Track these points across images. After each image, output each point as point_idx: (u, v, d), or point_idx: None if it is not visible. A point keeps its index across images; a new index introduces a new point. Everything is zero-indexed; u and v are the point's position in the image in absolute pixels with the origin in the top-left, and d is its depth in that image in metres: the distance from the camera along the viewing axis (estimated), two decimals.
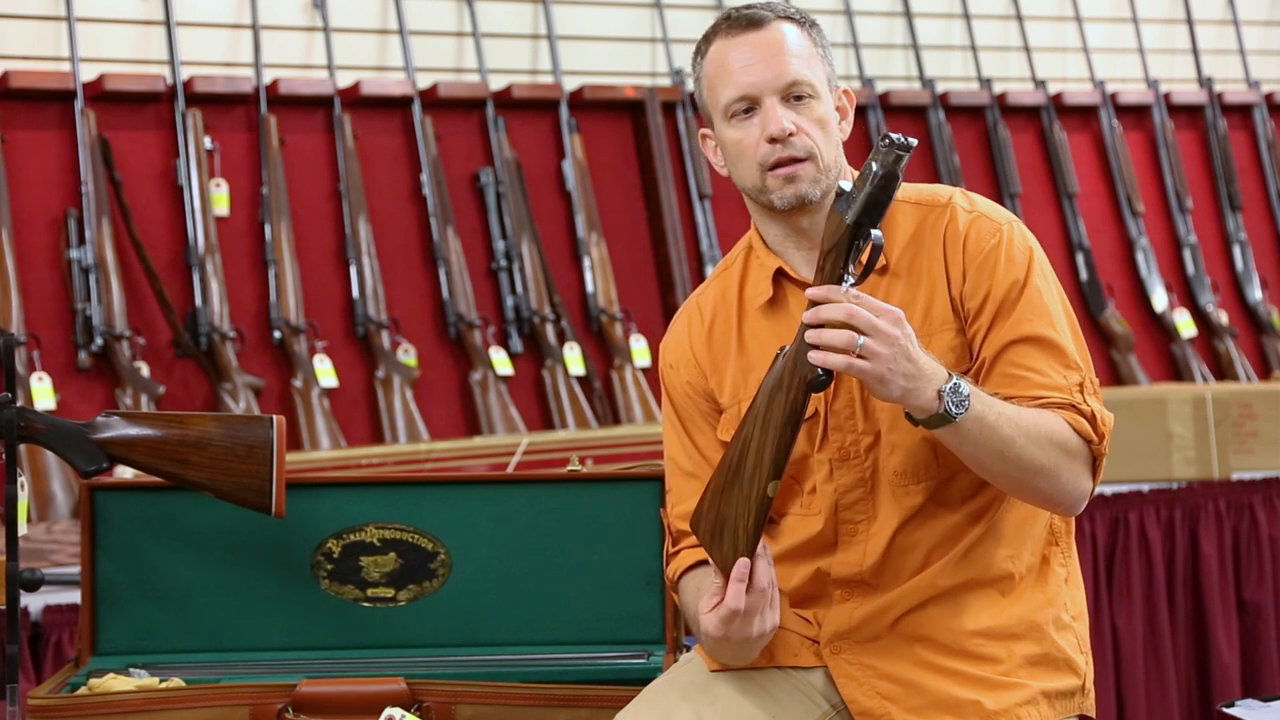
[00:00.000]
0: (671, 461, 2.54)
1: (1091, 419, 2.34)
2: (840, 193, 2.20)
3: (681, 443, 2.52)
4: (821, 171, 2.38)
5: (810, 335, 2.19)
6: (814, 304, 2.20)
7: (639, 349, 5.25)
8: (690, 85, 5.52)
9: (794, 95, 2.38)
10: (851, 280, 2.20)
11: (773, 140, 2.37)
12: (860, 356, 2.17)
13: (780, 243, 2.45)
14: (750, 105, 2.39)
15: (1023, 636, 2.39)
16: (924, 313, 2.37)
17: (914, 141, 2.17)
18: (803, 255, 2.44)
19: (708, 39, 2.45)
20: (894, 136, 2.15)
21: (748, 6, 2.44)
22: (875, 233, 2.20)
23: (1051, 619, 2.41)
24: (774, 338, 2.44)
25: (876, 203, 2.17)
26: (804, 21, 2.43)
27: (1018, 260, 2.38)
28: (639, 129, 5.46)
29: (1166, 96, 6.33)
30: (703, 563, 2.44)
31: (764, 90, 2.38)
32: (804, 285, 2.42)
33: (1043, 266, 2.41)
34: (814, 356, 2.18)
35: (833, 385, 2.33)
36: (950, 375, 2.22)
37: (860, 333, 2.16)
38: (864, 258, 2.21)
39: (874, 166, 2.16)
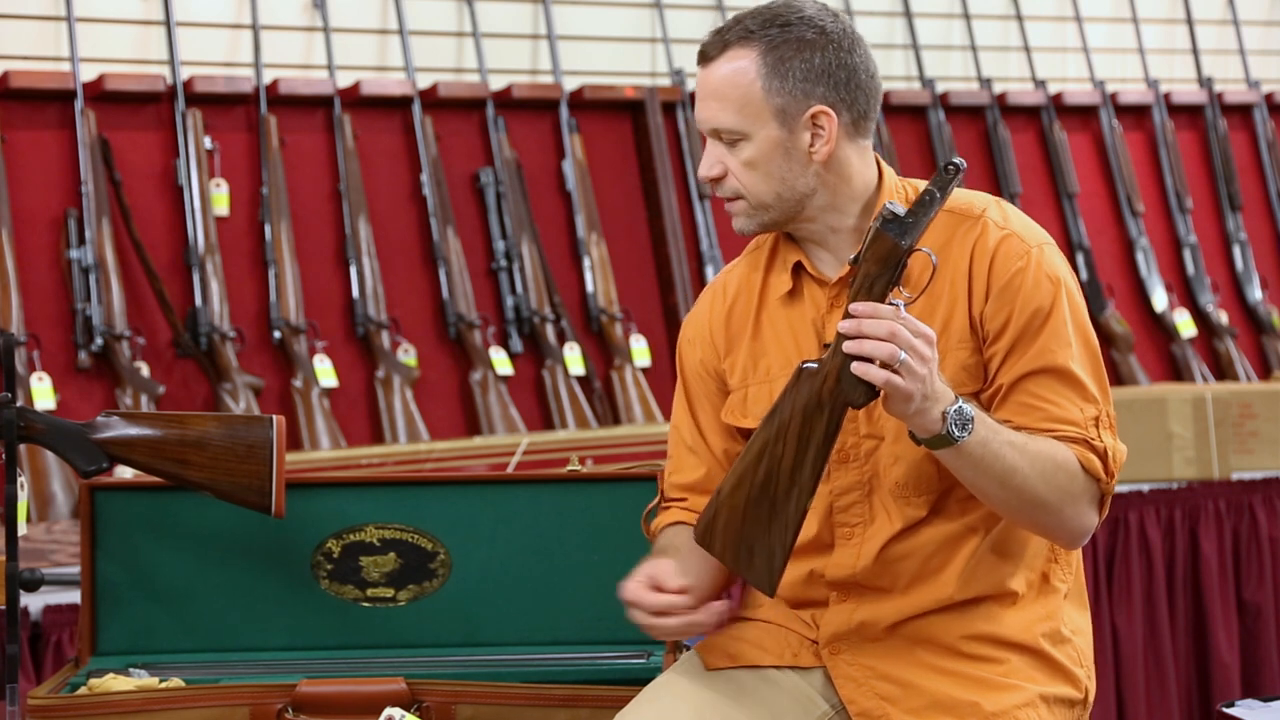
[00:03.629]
0: (675, 430, 2.56)
1: (1104, 456, 2.33)
2: (892, 216, 2.20)
3: (686, 417, 2.55)
4: (757, 209, 2.39)
5: (852, 346, 2.18)
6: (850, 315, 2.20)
7: (639, 349, 5.26)
8: (690, 85, 5.54)
9: (723, 138, 2.39)
10: (902, 304, 2.19)
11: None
12: (896, 372, 2.16)
13: (800, 240, 2.46)
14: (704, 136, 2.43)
15: (1021, 644, 2.39)
16: (941, 328, 2.34)
17: (965, 163, 2.20)
18: (820, 253, 2.45)
19: None
20: (959, 162, 2.18)
21: (718, 30, 2.41)
22: (931, 254, 2.23)
23: (1050, 631, 2.41)
24: (788, 327, 2.44)
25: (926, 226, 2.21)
26: (764, 42, 2.37)
27: (1044, 286, 2.35)
28: (639, 129, 5.46)
29: (1166, 96, 6.33)
30: (677, 523, 2.49)
31: (701, 128, 2.42)
32: (820, 281, 2.43)
33: (1070, 293, 2.38)
34: (856, 368, 2.18)
35: None
36: (955, 398, 2.22)
37: (899, 348, 2.16)
38: (912, 277, 2.23)
39: (937, 195, 2.19)
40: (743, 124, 2.37)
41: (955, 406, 2.21)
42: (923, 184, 2.45)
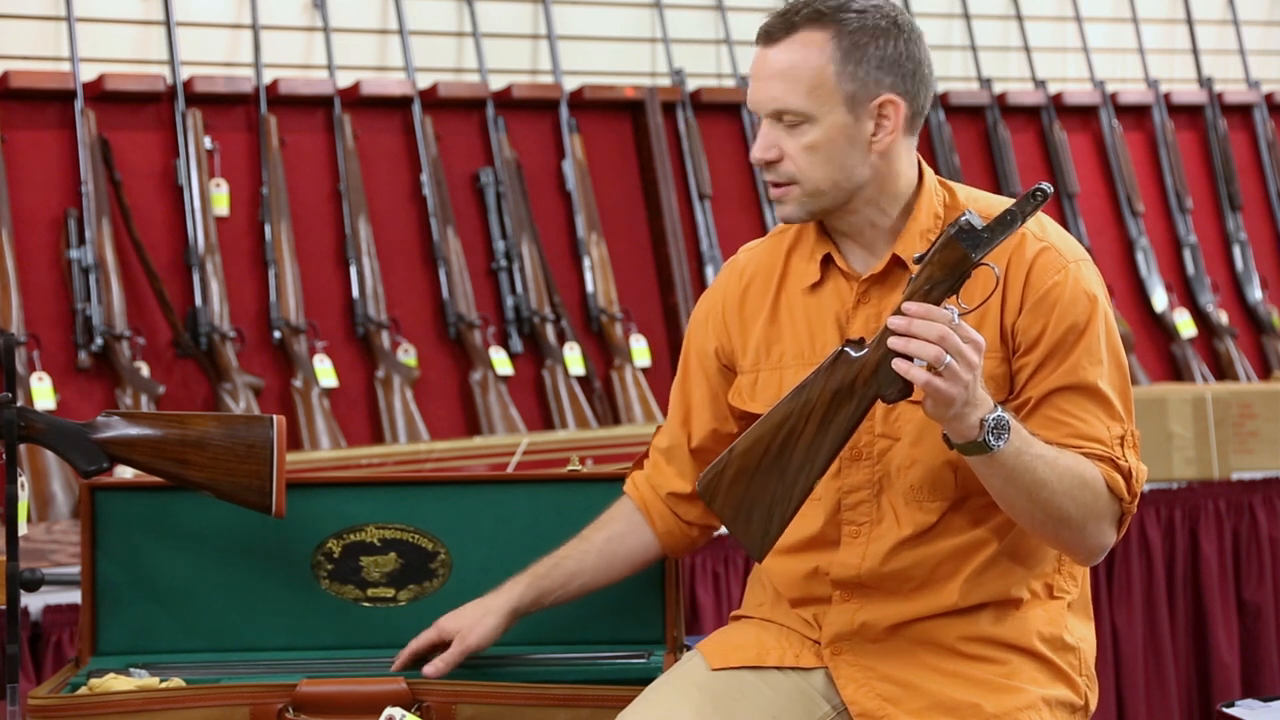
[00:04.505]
0: (672, 394, 2.61)
1: (1128, 476, 2.33)
2: (969, 227, 2.18)
3: (681, 390, 2.58)
4: (810, 195, 2.37)
5: (898, 343, 2.18)
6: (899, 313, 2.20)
7: (639, 349, 5.26)
8: (690, 85, 5.54)
9: (784, 120, 2.37)
10: (958, 313, 2.19)
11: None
12: (939, 375, 2.16)
13: (832, 232, 2.46)
14: (757, 119, 2.40)
15: (1024, 649, 2.39)
16: None
17: (1052, 189, 2.19)
18: (850, 246, 2.44)
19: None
20: (1047, 188, 2.17)
21: (780, 11, 2.39)
22: (996, 269, 2.23)
23: (1051, 636, 2.41)
24: (805, 317, 2.44)
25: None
26: (838, 25, 2.35)
27: (1081, 303, 2.35)
28: (639, 129, 5.46)
29: (1166, 96, 6.33)
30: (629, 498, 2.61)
31: (759, 110, 2.39)
32: (849, 275, 2.43)
33: (1105, 310, 2.37)
34: (898, 365, 2.17)
35: None
36: (995, 406, 2.21)
37: (946, 351, 2.15)
38: (974, 290, 2.24)
39: (1019, 217, 2.18)
40: (810, 107, 2.35)
41: (994, 415, 2.20)
42: (959, 188, 2.45)
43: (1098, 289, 2.38)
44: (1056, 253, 2.37)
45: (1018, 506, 2.28)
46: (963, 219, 2.19)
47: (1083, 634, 2.46)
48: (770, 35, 2.38)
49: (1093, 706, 2.45)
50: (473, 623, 2.57)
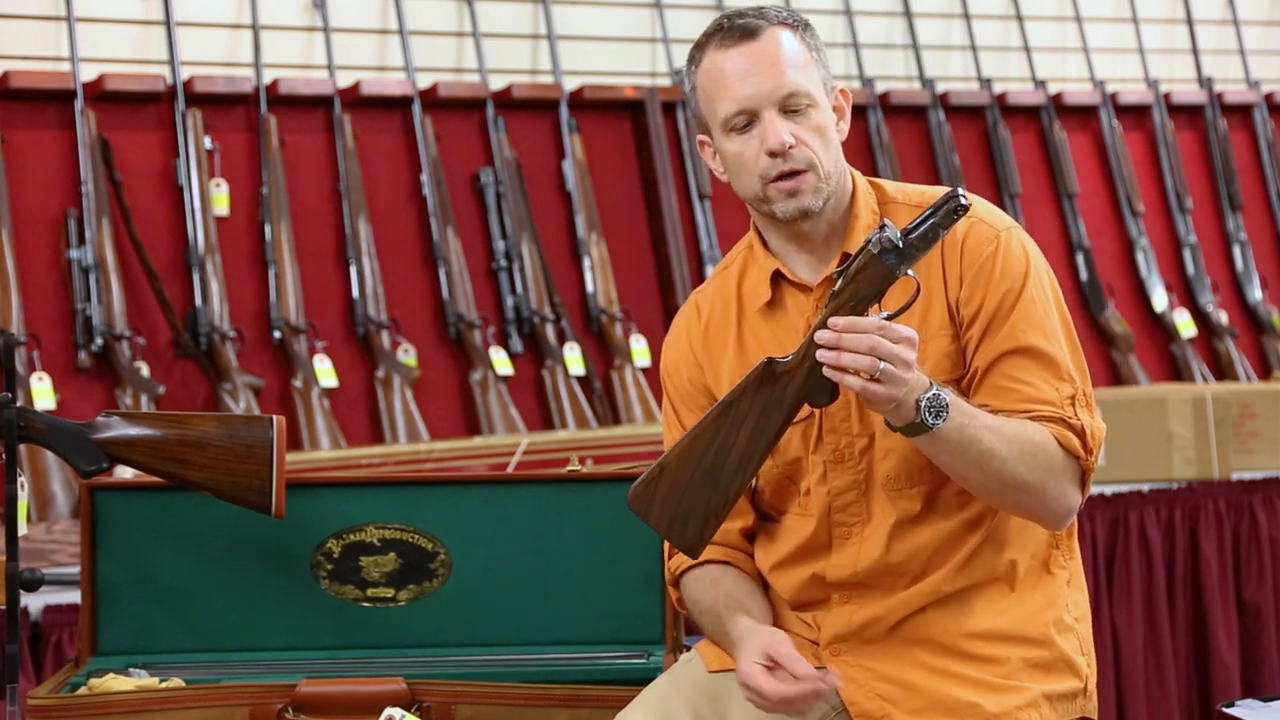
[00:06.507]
0: None
1: (1081, 434, 2.34)
2: (891, 246, 2.20)
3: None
4: (822, 180, 2.38)
5: (828, 356, 2.20)
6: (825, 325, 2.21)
7: (639, 349, 5.25)
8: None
9: (791, 106, 2.37)
10: (883, 318, 2.21)
11: (773, 154, 2.36)
12: (875, 380, 2.18)
13: (780, 247, 2.46)
14: (749, 119, 2.38)
15: (1023, 639, 2.39)
16: (921, 318, 2.36)
17: (971, 202, 2.23)
18: (803, 259, 2.45)
19: (701, 47, 2.43)
20: (964, 200, 2.19)
21: (740, 14, 2.41)
22: (917, 278, 2.24)
23: (1053, 620, 2.41)
24: (772, 337, 2.44)
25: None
26: (798, 25, 2.41)
27: (1013, 269, 2.37)
28: (639, 129, 5.46)
29: (1166, 96, 6.33)
30: (709, 561, 2.46)
31: (762, 103, 2.37)
32: (801, 288, 2.43)
33: (1039, 274, 2.40)
34: (832, 374, 2.20)
35: None
36: (931, 385, 2.23)
37: (880, 359, 2.17)
38: (893, 296, 2.24)
39: (941, 232, 2.21)
40: (814, 89, 2.38)
41: (930, 394, 2.22)
42: (887, 185, 2.46)
43: (1031, 252, 2.41)
44: (986, 225, 2.39)
45: (971, 480, 2.30)
46: (884, 235, 2.21)
47: (1080, 610, 2.46)
48: (750, 31, 2.38)
49: (1093, 681, 2.44)
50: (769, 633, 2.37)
